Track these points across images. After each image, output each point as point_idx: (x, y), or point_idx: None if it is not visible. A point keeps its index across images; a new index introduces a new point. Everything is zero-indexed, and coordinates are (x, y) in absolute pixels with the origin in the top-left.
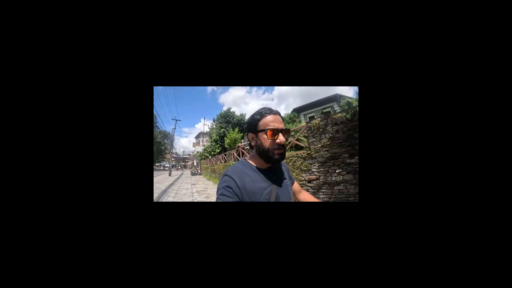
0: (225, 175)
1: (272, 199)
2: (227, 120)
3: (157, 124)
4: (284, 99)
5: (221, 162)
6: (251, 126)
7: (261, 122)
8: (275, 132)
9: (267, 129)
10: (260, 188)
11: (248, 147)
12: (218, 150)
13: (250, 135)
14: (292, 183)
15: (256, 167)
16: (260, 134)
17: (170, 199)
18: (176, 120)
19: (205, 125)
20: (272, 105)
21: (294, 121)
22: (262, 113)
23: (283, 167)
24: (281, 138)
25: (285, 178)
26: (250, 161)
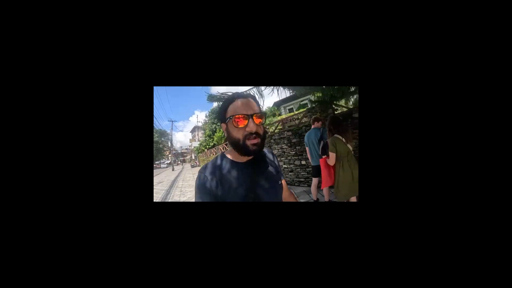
0: (199, 172)
1: (250, 196)
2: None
3: (154, 125)
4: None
5: (213, 154)
6: (221, 115)
7: (229, 109)
8: (244, 118)
9: (233, 116)
10: (234, 184)
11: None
12: (212, 144)
13: (223, 125)
14: (281, 178)
15: (233, 161)
16: (229, 123)
17: (180, 183)
18: (172, 121)
19: (198, 122)
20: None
21: (274, 115)
22: (230, 99)
23: (269, 160)
24: (250, 125)
25: (270, 172)
26: (227, 155)
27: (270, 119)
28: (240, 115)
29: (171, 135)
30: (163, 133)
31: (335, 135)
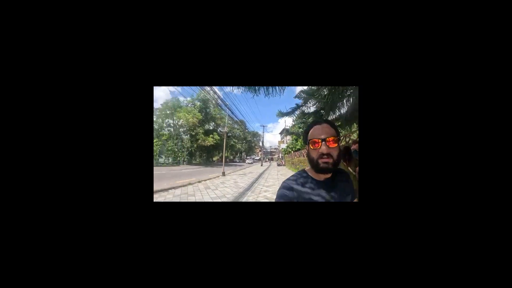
0: (283, 182)
1: None
2: (303, 121)
3: (247, 128)
4: None
5: (297, 156)
6: (304, 138)
7: (309, 133)
8: (317, 141)
9: (309, 140)
10: (309, 198)
11: None
12: (298, 146)
13: (306, 146)
14: (352, 200)
15: (312, 178)
16: (308, 145)
17: (266, 175)
18: (264, 125)
19: (286, 126)
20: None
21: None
22: (310, 124)
23: (344, 182)
24: (322, 148)
25: (342, 193)
26: (308, 172)
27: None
28: (315, 139)
29: (263, 137)
30: (255, 134)
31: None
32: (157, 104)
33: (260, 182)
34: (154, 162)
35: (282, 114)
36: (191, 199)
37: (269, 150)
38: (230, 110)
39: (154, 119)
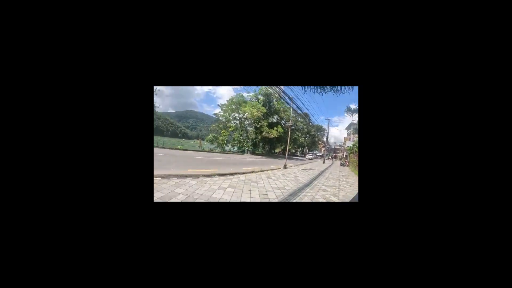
0: None
1: None
2: None
3: (311, 121)
4: None
5: None
6: None
7: None
8: None
9: None
10: None
11: None
12: None
13: None
14: None
15: None
16: None
17: (327, 175)
18: (329, 119)
19: (354, 120)
20: None
21: None
22: None
23: None
24: None
25: None
26: None
27: None
28: None
29: (327, 131)
30: (319, 128)
31: None
32: (223, 100)
33: (320, 180)
34: (221, 149)
35: (351, 111)
36: (254, 185)
37: (333, 147)
38: (294, 103)
39: (221, 113)
